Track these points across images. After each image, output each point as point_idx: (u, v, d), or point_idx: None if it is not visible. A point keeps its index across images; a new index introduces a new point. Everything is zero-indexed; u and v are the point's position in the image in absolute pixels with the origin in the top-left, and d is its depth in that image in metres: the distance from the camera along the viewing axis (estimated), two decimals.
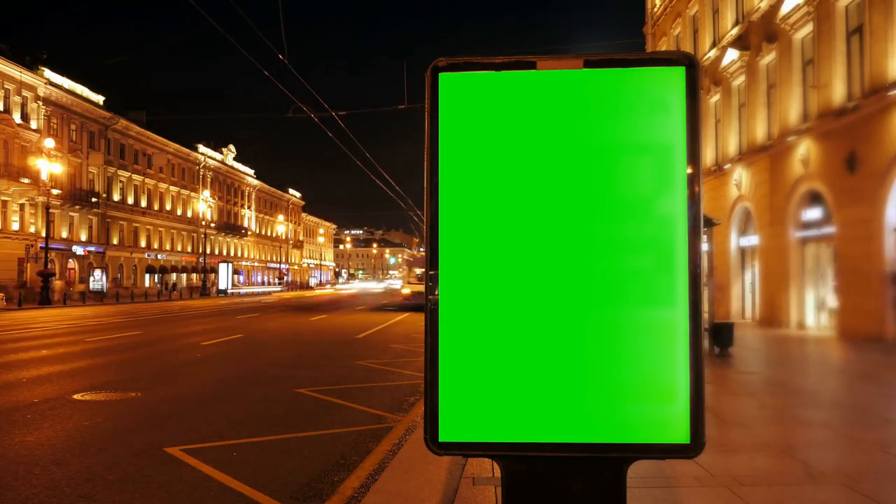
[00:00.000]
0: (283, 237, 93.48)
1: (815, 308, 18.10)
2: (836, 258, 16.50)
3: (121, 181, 55.64)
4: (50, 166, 38.67)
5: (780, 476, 4.93)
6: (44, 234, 39.53)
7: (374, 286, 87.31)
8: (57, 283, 42.23)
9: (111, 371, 11.26)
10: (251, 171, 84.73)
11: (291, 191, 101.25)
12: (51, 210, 40.05)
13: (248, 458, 5.88)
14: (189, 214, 67.67)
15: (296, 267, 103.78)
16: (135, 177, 57.63)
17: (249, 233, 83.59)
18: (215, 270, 65.00)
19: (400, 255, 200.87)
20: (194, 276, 66.29)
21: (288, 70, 14.72)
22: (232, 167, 78.94)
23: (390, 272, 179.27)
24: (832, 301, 16.97)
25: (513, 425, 1.76)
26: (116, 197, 54.95)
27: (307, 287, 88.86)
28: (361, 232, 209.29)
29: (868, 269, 14.52)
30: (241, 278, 78.22)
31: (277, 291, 69.80)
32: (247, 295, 59.45)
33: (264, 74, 16.41)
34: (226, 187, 77.70)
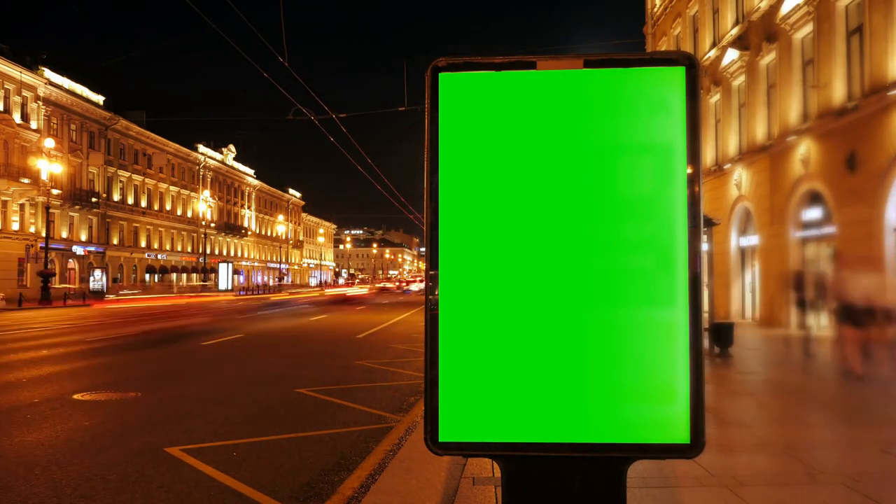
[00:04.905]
0: (283, 237, 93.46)
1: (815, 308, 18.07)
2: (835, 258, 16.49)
3: (121, 181, 55.65)
4: (50, 166, 38.69)
5: (780, 476, 4.93)
6: (44, 234, 39.54)
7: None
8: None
9: (111, 371, 11.26)
10: (251, 171, 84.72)
11: (291, 191, 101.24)
12: (51, 210, 40.05)
13: (249, 458, 5.88)
14: (189, 214, 67.67)
15: (296, 267, 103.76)
16: (135, 177, 57.63)
17: (249, 233, 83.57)
18: (215, 270, 65.01)
19: (401, 255, 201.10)
20: (194, 276, 66.30)
21: (288, 71, 14.72)
22: (232, 167, 78.92)
23: (390, 272, 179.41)
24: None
25: (513, 425, 1.75)
26: (116, 197, 54.95)
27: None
28: (361, 232, 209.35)
29: (868, 270, 14.49)
30: (241, 278, 78.18)
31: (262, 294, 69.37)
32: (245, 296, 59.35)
33: (265, 77, 16.42)
34: (226, 187, 77.69)
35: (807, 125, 17.45)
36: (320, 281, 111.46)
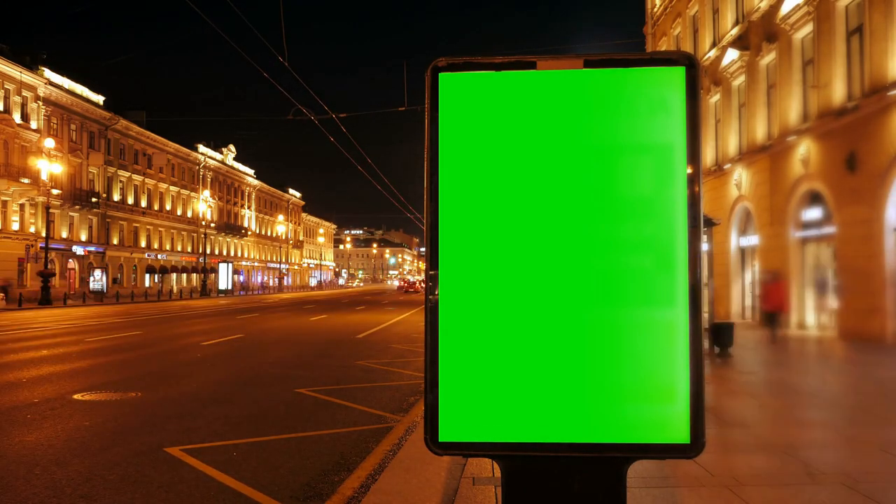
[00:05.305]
0: (283, 237, 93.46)
1: (815, 308, 18.10)
2: (836, 258, 16.50)
3: (121, 181, 55.64)
4: (50, 166, 38.67)
5: (780, 476, 4.93)
6: (44, 234, 39.54)
7: None
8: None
9: (111, 371, 11.26)
10: (251, 171, 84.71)
11: (291, 191, 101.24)
12: (51, 210, 40.05)
13: (248, 458, 5.87)
14: (189, 214, 67.67)
15: (296, 267, 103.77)
16: (135, 177, 57.62)
17: (249, 233, 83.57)
18: (215, 270, 65.00)
19: (401, 255, 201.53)
20: (194, 276, 66.32)
21: (288, 71, 14.73)
22: (232, 167, 78.92)
23: (390, 272, 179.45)
24: (832, 301, 16.98)
25: (513, 425, 1.76)
26: (116, 197, 54.95)
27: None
28: (361, 232, 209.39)
29: (868, 269, 14.52)
30: (241, 278, 78.20)
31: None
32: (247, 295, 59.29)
33: (265, 77, 16.43)
34: (226, 187, 77.69)
35: (807, 125, 17.45)
36: (319, 281, 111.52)
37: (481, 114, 1.79)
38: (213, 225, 70.55)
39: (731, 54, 21.74)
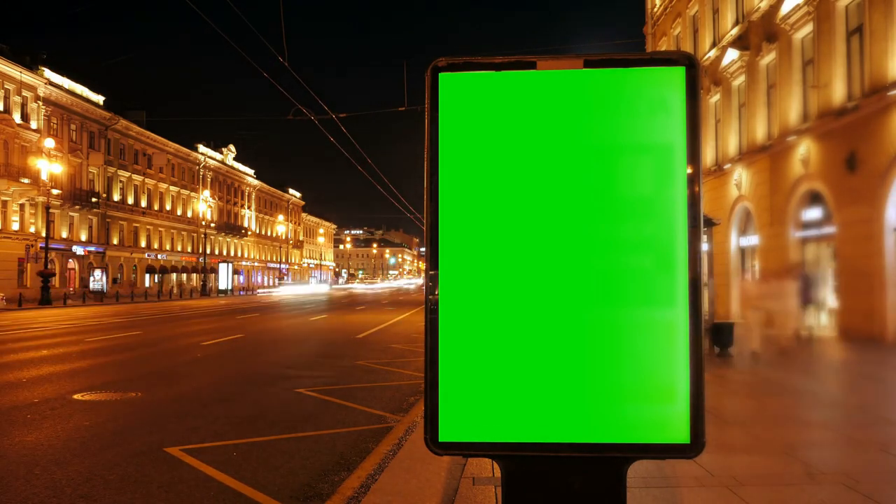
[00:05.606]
0: (283, 237, 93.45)
1: (815, 308, 18.10)
2: (836, 258, 16.50)
3: (121, 181, 55.65)
4: (50, 166, 38.68)
5: (780, 476, 4.93)
6: (44, 234, 39.54)
7: None
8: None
9: (111, 371, 11.26)
10: (251, 171, 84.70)
11: (291, 191, 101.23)
12: (51, 210, 40.05)
13: (249, 458, 5.87)
14: (189, 214, 67.66)
15: (296, 267, 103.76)
16: (135, 177, 57.63)
17: (249, 233, 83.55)
18: (215, 270, 65.00)
19: (401, 255, 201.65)
20: (194, 276, 66.32)
21: (288, 71, 14.73)
22: (232, 167, 78.91)
23: (390, 272, 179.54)
24: (832, 301, 16.98)
25: (513, 425, 1.76)
26: (116, 197, 54.95)
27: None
28: (361, 232, 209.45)
29: (868, 269, 14.52)
30: (241, 278, 78.16)
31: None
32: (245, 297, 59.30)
33: (264, 77, 16.43)
34: (226, 187, 77.68)
35: (807, 125, 17.45)
36: (320, 281, 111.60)
37: (481, 114, 1.79)
38: (213, 225, 70.53)
39: (731, 54, 21.74)
